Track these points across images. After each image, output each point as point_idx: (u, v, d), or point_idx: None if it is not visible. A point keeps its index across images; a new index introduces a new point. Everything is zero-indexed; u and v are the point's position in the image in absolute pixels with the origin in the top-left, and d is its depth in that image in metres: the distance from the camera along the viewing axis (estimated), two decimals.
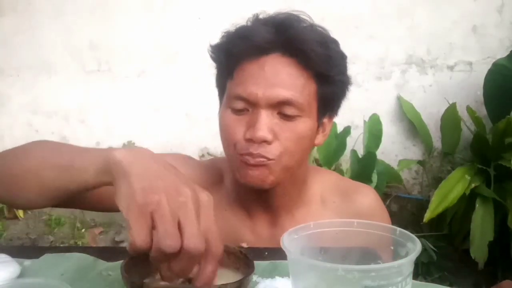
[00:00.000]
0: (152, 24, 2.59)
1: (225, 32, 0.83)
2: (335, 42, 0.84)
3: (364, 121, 2.38)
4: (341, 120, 2.40)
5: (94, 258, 0.71)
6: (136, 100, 2.65)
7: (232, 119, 0.80)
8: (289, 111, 0.78)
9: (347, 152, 2.31)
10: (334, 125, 2.37)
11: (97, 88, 2.67)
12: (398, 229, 0.51)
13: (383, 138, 2.36)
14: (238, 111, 0.80)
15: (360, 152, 2.31)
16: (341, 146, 2.29)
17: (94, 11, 2.61)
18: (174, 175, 0.53)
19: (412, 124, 2.46)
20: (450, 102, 2.34)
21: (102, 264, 0.70)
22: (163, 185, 0.50)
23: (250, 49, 0.79)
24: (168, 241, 0.47)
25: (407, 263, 0.45)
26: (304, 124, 0.80)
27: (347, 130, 2.34)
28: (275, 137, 0.78)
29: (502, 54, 2.27)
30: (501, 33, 2.41)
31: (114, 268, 0.67)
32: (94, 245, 2.42)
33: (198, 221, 0.50)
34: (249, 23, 0.82)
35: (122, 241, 2.45)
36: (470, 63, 2.44)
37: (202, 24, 2.45)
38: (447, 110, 2.35)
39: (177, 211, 0.49)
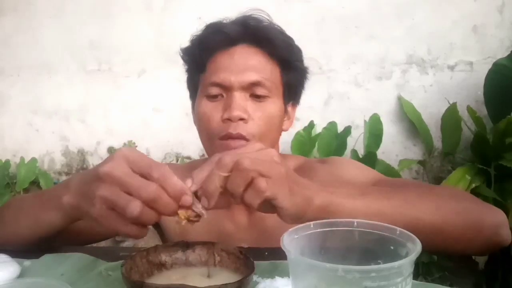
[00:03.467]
0: (152, 24, 2.59)
1: (195, 35, 0.94)
2: (292, 38, 0.94)
3: (365, 121, 2.38)
4: (341, 120, 2.40)
5: (94, 258, 0.72)
6: (136, 100, 2.65)
7: (208, 106, 0.88)
8: (260, 91, 0.87)
9: (348, 152, 2.31)
10: (335, 125, 2.38)
11: (97, 88, 2.67)
12: (398, 229, 0.51)
13: (384, 138, 2.36)
14: (213, 97, 0.88)
15: (361, 152, 2.31)
16: (342, 146, 2.29)
17: (94, 11, 2.61)
18: (103, 162, 0.59)
19: (412, 124, 2.46)
20: (451, 102, 2.34)
21: (102, 264, 0.70)
22: (95, 178, 0.56)
23: (221, 40, 0.89)
24: (127, 211, 0.53)
25: (407, 264, 0.45)
26: (273, 105, 0.89)
27: (347, 130, 2.34)
28: (250, 117, 0.85)
29: (502, 54, 2.27)
30: (501, 33, 2.40)
31: (114, 268, 0.67)
32: (94, 245, 2.41)
33: (132, 180, 0.54)
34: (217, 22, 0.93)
35: (122, 241, 2.45)
36: (471, 63, 2.44)
37: (202, 24, 2.44)
38: (447, 110, 2.34)
39: (117, 179, 0.54)
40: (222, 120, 0.85)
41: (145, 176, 0.55)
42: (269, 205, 0.61)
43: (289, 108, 0.95)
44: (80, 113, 2.71)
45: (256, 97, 0.87)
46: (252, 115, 0.86)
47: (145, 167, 0.55)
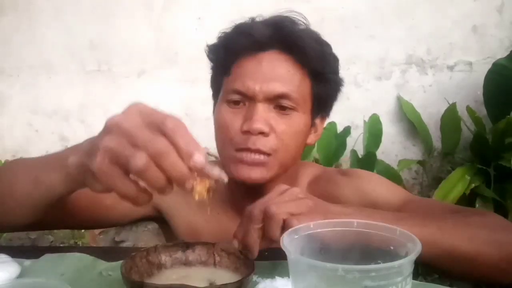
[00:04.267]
0: (152, 24, 2.59)
1: (223, 32, 0.85)
2: (328, 45, 0.86)
3: (364, 121, 2.38)
4: (341, 120, 2.40)
5: (94, 258, 0.71)
6: (136, 100, 2.64)
7: (229, 113, 0.82)
8: (286, 103, 0.80)
9: (347, 152, 2.31)
10: (334, 125, 2.37)
11: (97, 88, 2.67)
12: (398, 229, 0.51)
13: (383, 138, 2.36)
14: (234, 104, 0.81)
15: (360, 152, 2.31)
16: (341, 146, 2.29)
17: (94, 11, 2.61)
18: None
19: (412, 124, 2.46)
20: (450, 102, 2.34)
21: (102, 264, 0.70)
22: (103, 131, 0.51)
23: (249, 44, 0.81)
24: (132, 163, 0.47)
25: (407, 263, 0.45)
26: (299, 119, 0.82)
27: (347, 130, 2.34)
28: (272, 130, 0.79)
29: (502, 54, 2.27)
30: (501, 33, 2.41)
31: (114, 268, 0.67)
32: (94, 245, 2.41)
33: (140, 131, 0.49)
34: (247, 22, 0.85)
35: (122, 241, 2.45)
36: (470, 63, 2.44)
37: (202, 24, 2.45)
38: (447, 110, 2.35)
39: (125, 131, 0.49)
40: (241, 131, 0.79)
41: (158, 128, 0.49)
42: None
43: (317, 121, 0.88)
44: (80, 113, 2.71)
45: (281, 109, 0.81)
46: (275, 128, 0.80)
47: (158, 118, 0.50)
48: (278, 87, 0.79)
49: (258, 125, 0.78)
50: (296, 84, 0.81)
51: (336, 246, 0.53)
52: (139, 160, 0.47)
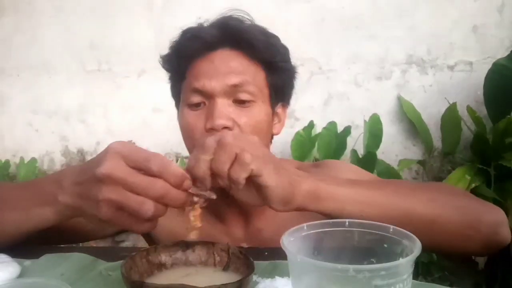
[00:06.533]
0: (152, 24, 2.59)
1: (173, 41, 0.90)
2: (275, 36, 0.89)
3: (364, 121, 2.38)
4: (341, 120, 2.40)
5: (94, 258, 0.71)
6: (136, 100, 2.65)
7: (191, 115, 0.84)
8: (244, 96, 0.82)
9: (347, 152, 2.31)
10: (335, 125, 2.38)
11: (97, 88, 2.67)
12: (392, 227, 0.51)
13: (383, 138, 2.36)
14: (195, 106, 0.84)
15: (361, 152, 2.31)
16: (341, 146, 2.29)
17: (94, 11, 2.61)
18: (96, 160, 0.56)
19: (412, 124, 2.46)
20: (451, 102, 2.34)
21: (102, 264, 0.70)
22: (92, 179, 0.54)
23: (199, 46, 0.84)
24: (141, 212, 0.52)
25: (412, 260, 0.45)
26: (259, 109, 0.84)
27: (347, 130, 2.34)
28: (234, 124, 0.81)
29: (502, 54, 2.27)
30: (501, 33, 2.41)
31: (114, 268, 0.67)
32: (94, 245, 2.41)
33: (135, 179, 0.53)
34: (194, 26, 0.89)
35: (122, 241, 2.45)
36: (471, 63, 2.44)
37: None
38: (447, 110, 2.35)
39: (119, 180, 0.53)
40: (205, 129, 0.81)
41: (144, 170, 0.53)
42: (255, 192, 0.62)
43: (279, 110, 0.90)
44: (80, 113, 2.71)
45: (241, 103, 0.82)
46: (238, 121, 0.81)
47: (141, 161, 0.54)
48: (233, 78, 0.81)
49: (221, 121, 0.79)
50: (251, 75, 0.83)
51: (329, 247, 0.53)
52: (148, 210, 0.52)
